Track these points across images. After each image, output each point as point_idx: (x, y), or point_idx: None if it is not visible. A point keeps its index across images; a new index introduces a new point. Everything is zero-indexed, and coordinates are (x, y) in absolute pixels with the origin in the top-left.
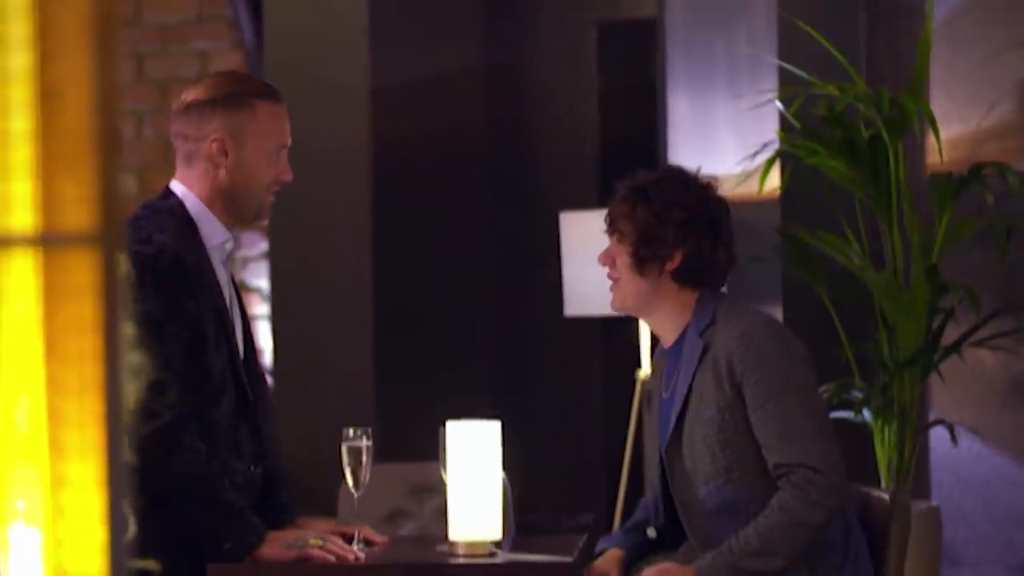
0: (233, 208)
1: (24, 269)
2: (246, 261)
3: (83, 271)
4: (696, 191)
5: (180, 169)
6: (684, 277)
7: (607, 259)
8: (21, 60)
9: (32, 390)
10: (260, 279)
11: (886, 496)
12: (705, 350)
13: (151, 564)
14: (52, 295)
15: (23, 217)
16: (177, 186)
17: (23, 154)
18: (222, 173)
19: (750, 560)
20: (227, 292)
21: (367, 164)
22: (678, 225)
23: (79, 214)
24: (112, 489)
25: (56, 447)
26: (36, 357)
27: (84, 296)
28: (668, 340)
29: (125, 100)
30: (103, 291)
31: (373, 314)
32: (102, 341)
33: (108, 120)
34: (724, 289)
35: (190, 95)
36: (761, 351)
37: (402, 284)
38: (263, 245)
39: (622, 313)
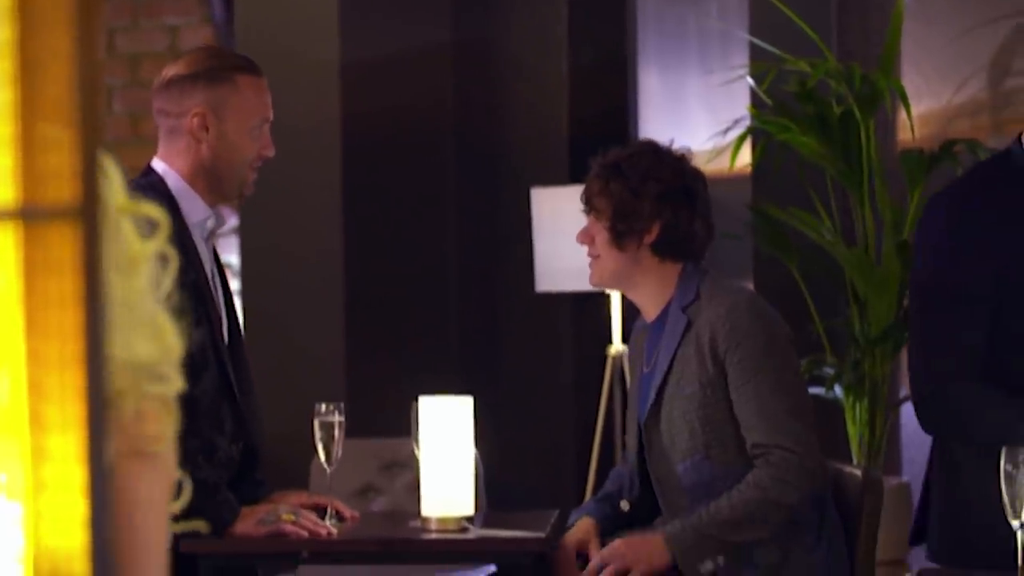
0: (216, 184)
1: (4, 243)
2: (217, 236)
3: (64, 245)
4: (670, 163)
5: (162, 146)
6: (663, 249)
7: (585, 237)
8: (1, 34)
9: (13, 364)
10: (231, 254)
11: (858, 472)
12: (688, 326)
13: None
14: (32, 269)
15: (3, 191)
16: (158, 164)
17: (3, 128)
18: (204, 148)
19: (718, 529)
20: (209, 269)
21: (337, 139)
22: (654, 198)
23: (59, 188)
24: (93, 463)
25: (37, 421)
26: (17, 331)
27: (65, 270)
28: (650, 314)
29: None
30: (84, 265)
31: (344, 289)
32: (83, 315)
33: (89, 94)
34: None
35: (171, 71)
36: (745, 330)
37: (373, 260)
38: (233, 220)
39: (601, 288)
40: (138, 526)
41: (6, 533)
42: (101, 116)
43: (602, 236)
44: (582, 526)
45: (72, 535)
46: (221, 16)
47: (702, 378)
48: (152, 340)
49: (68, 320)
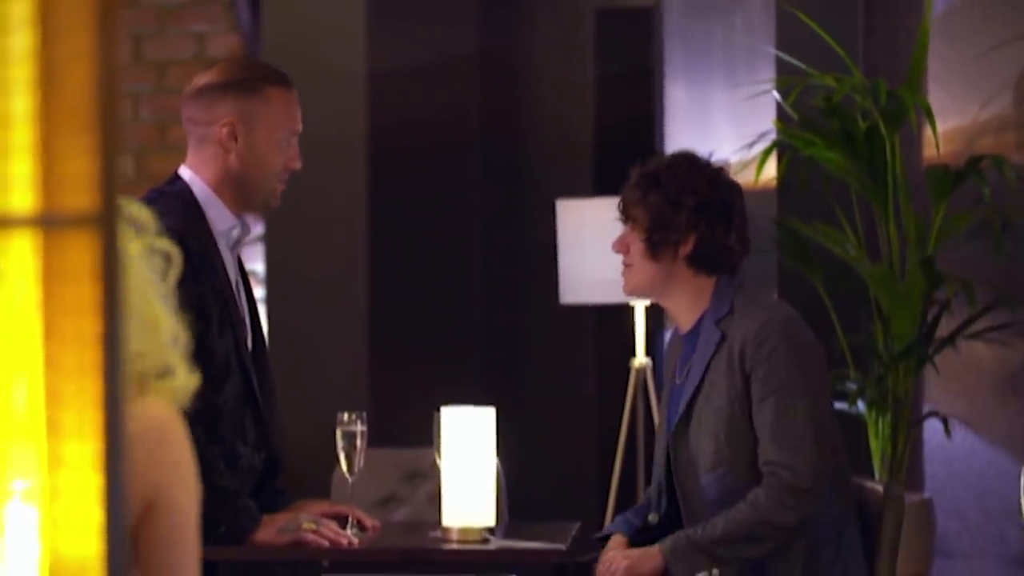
0: (242, 194)
1: (23, 250)
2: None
3: (83, 252)
4: (708, 175)
5: (190, 154)
6: (698, 262)
7: (621, 246)
8: (22, 40)
9: (31, 370)
10: (256, 262)
11: (879, 488)
12: (722, 339)
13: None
14: (51, 276)
15: (22, 198)
16: (185, 171)
17: (23, 135)
18: (232, 158)
19: (712, 546)
20: (234, 277)
21: (363, 149)
22: (691, 210)
23: (79, 195)
24: (110, 470)
25: (54, 427)
26: (35, 338)
27: (83, 277)
28: (685, 326)
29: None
30: (102, 272)
31: (368, 299)
32: (101, 322)
33: (109, 101)
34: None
35: (202, 79)
36: (773, 347)
37: (398, 269)
38: (259, 228)
39: (634, 297)
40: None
41: (22, 539)
42: (121, 123)
43: (637, 246)
44: (612, 545)
45: (87, 542)
46: (248, 24)
47: (730, 392)
48: (143, 331)
49: (86, 327)
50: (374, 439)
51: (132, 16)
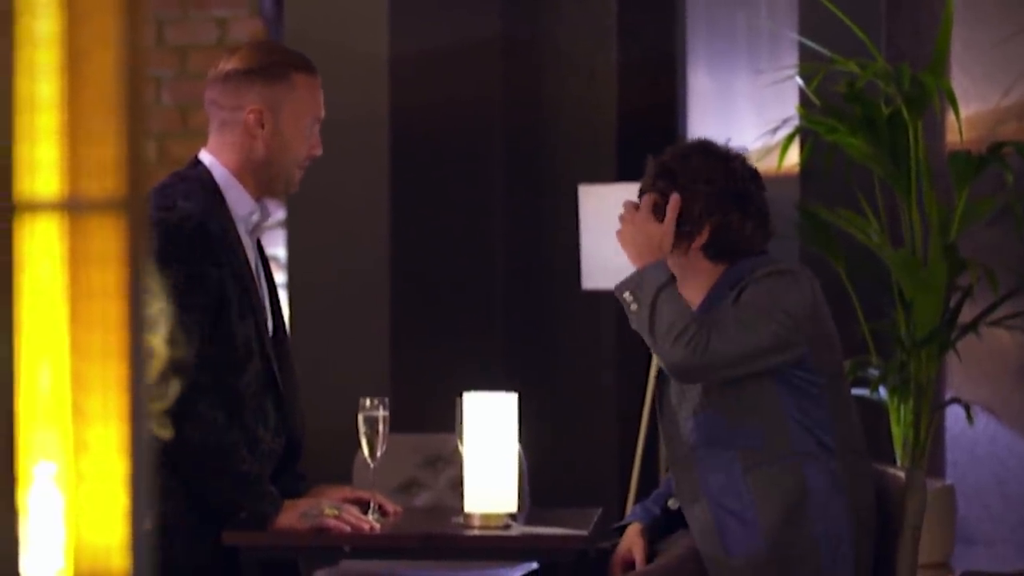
0: (264, 180)
1: (49, 234)
2: (262, 229)
3: (107, 237)
4: (722, 165)
5: (212, 138)
6: (714, 252)
7: None
8: (48, 25)
9: (56, 355)
10: (278, 247)
11: (902, 474)
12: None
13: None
14: (76, 261)
15: (48, 182)
16: (205, 155)
17: (49, 119)
18: (258, 144)
19: (656, 293)
20: (254, 262)
21: (386, 133)
22: (704, 200)
23: (104, 180)
24: (134, 455)
25: (79, 412)
26: (60, 322)
27: (108, 262)
28: (696, 305)
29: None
30: (127, 257)
31: (390, 284)
32: (126, 307)
33: (134, 86)
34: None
35: (228, 64)
36: (753, 289)
37: (419, 255)
38: (281, 214)
39: None
40: None
41: (47, 523)
42: (146, 109)
43: None
44: (629, 535)
45: (112, 526)
46: (270, 9)
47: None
48: None
49: (111, 311)
50: (396, 424)
51: (155, 1)
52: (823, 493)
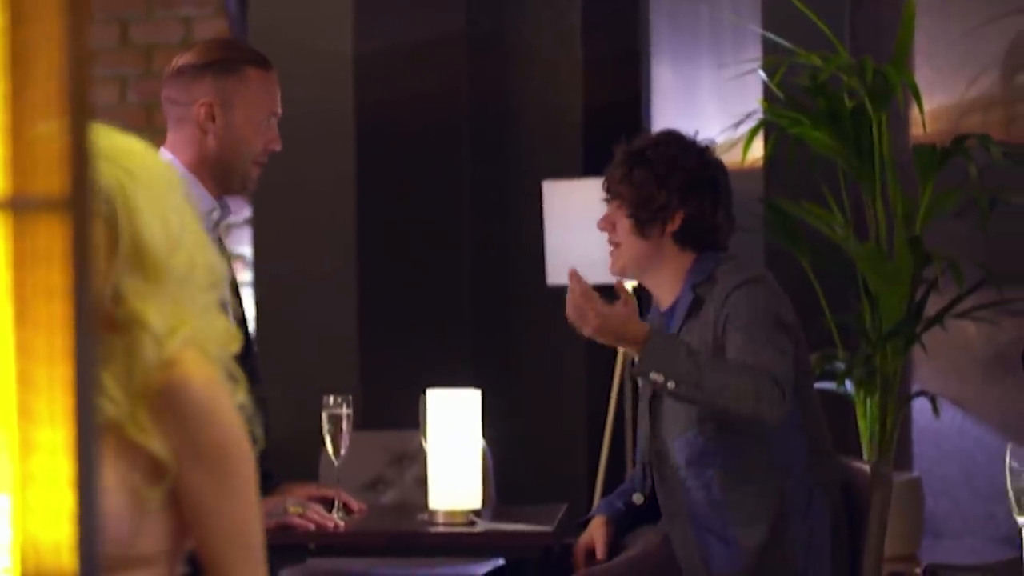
0: (220, 176)
1: None
2: (229, 227)
3: (53, 236)
4: (696, 153)
5: (170, 135)
6: (685, 239)
7: (607, 224)
8: None
9: (1, 356)
10: (243, 246)
11: (867, 467)
12: (696, 303)
13: None
14: (22, 260)
15: None
16: (165, 152)
17: None
18: (210, 139)
19: (698, 356)
20: None
21: (351, 130)
22: (679, 187)
23: (49, 179)
24: (81, 455)
25: (25, 413)
26: (5, 322)
27: (54, 261)
28: (665, 302)
29: (109, 65)
30: (73, 257)
31: (356, 281)
32: (72, 307)
33: (79, 84)
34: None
35: (181, 60)
36: (748, 302)
37: (385, 252)
38: (247, 211)
39: (620, 278)
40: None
41: None
42: (93, 107)
43: (624, 224)
44: (593, 526)
45: (60, 527)
46: (235, 7)
47: (704, 351)
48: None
49: (57, 312)
50: (365, 422)
51: (120, 0)
52: (802, 502)
